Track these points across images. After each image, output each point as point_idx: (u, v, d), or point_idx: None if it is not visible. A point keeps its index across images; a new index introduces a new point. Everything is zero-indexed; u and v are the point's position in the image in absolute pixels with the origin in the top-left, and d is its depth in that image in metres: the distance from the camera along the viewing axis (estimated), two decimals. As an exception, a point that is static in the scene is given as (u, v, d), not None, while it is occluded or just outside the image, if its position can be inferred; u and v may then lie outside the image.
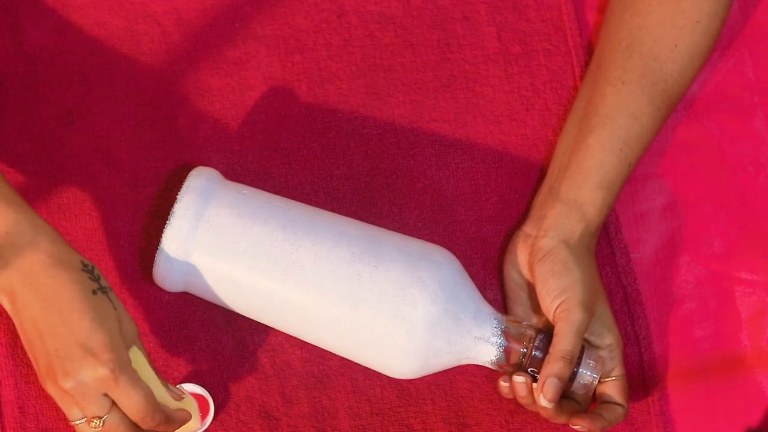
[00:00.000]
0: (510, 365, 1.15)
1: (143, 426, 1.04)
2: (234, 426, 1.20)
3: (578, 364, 1.14)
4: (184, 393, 1.12)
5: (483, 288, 1.24)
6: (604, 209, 1.17)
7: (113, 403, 1.03)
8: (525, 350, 1.14)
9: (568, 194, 1.17)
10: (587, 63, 1.29)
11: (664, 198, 1.27)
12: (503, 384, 1.15)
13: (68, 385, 1.01)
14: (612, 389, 1.17)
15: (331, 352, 1.21)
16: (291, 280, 1.13)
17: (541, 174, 1.27)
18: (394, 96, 1.28)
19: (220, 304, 1.17)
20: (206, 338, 1.22)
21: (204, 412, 1.20)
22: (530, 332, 1.15)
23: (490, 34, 1.30)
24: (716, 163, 1.28)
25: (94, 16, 1.27)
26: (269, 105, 1.27)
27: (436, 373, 1.20)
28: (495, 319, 1.15)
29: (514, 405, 1.22)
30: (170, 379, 1.21)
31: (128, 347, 1.05)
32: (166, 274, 1.15)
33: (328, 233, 1.14)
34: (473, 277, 1.21)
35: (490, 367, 1.16)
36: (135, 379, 1.03)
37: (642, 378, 1.24)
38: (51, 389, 1.04)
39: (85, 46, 1.27)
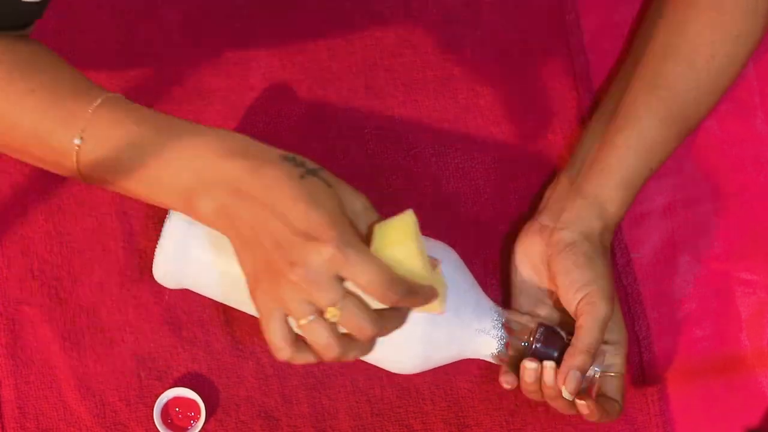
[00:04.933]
0: (511, 358, 1.14)
1: (385, 302, 0.91)
2: (234, 426, 1.20)
3: None
4: (438, 264, 0.98)
5: (482, 288, 1.23)
6: (622, 209, 1.16)
7: (346, 289, 0.91)
8: (526, 343, 1.13)
9: (590, 190, 1.16)
10: (587, 63, 1.29)
11: (664, 198, 1.26)
12: (506, 378, 1.14)
13: (297, 274, 0.89)
14: (611, 385, 1.15)
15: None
16: None
17: (542, 174, 1.27)
18: (394, 96, 1.28)
19: (219, 300, 1.16)
20: (206, 338, 1.22)
21: (196, 416, 1.19)
22: (532, 325, 1.14)
23: (491, 34, 1.29)
24: (716, 163, 1.28)
25: (94, 16, 1.27)
26: (269, 105, 1.27)
27: (436, 373, 1.20)
28: (495, 312, 1.14)
29: (514, 405, 1.22)
30: (169, 380, 1.21)
31: (362, 223, 0.94)
32: (166, 270, 1.13)
33: None
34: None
35: (492, 360, 1.15)
36: (365, 252, 0.90)
37: (642, 378, 1.23)
38: (267, 294, 0.92)
39: (85, 47, 1.26)
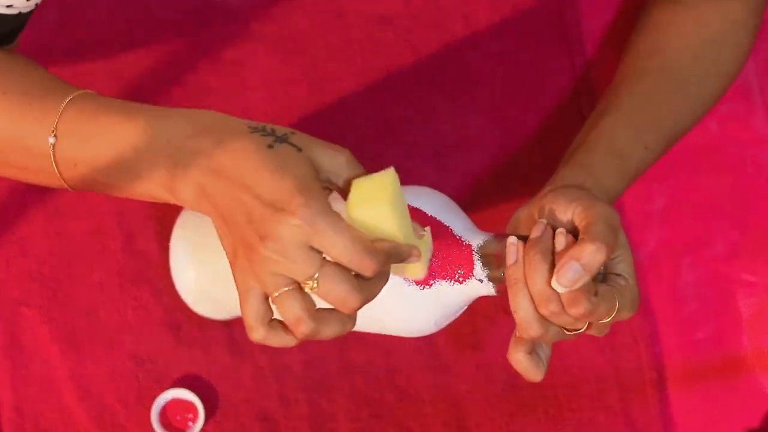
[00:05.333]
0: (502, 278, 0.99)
1: (363, 271, 0.86)
2: (232, 427, 1.20)
3: None
4: (424, 231, 0.92)
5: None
6: (615, 176, 1.04)
7: (323, 259, 0.86)
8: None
9: (577, 160, 1.05)
10: (587, 63, 1.29)
11: (665, 199, 1.27)
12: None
13: (268, 248, 0.85)
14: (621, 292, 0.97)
15: (329, 355, 1.21)
16: None
17: (542, 173, 1.26)
18: (394, 96, 1.27)
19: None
20: (205, 340, 1.22)
21: (194, 418, 1.19)
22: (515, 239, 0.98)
23: (490, 34, 1.29)
24: (717, 164, 1.28)
25: (92, 16, 1.26)
26: (268, 105, 1.27)
27: (435, 375, 1.20)
28: (483, 237, 1.00)
29: (514, 407, 1.22)
30: (168, 382, 1.21)
31: (339, 179, 0.89)
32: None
33: None
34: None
35: (491, 290, 1.00)
36: (336, 220, 0.85)
37: (643, 379, 1.24)
38: (244, 272, 0.88)
39: (83, 47, 1.26)
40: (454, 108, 1.28)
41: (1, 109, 0.93)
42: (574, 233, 0.93)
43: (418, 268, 0.91)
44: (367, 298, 0.86)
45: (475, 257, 0.98)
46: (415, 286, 0.97)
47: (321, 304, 0.86)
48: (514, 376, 1.22)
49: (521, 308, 0.93)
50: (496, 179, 1.27)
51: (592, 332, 0.94)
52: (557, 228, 0.93)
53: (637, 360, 1.23)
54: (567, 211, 0.93)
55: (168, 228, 1.22)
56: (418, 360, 1.23)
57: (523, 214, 0.99)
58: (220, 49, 1.27)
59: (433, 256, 0.97)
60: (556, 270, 0.90)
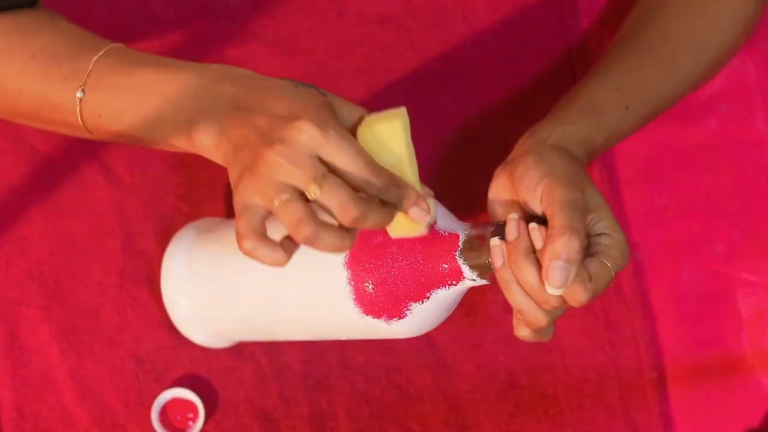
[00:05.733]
0: (479, 267, 0.98)
1: (369, 186, 0.87)
2: (232, 427, 1.20)
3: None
4: (429, 193, 0.92)
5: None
6: (591, 127, 1.02)
7: (328, 169, 0.86)
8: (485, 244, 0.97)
9: (552, 115, 1.05)
10: (587, 63, 1.29)
11: (665, 199, 1.26)
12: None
13: (276, 151, 0.85)
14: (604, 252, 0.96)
15: (329, 354, 1.21)
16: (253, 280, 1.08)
17: None
18: (394, 96, 1.27)
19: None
20: (205, 340, 1.21)
21: (194, 418, 1.19)
22: (490, 228, 0.97)
23: (490, 33, 1.29)
24: (717, 164, 1.27)
25: (91, 16, 1.26)
26: (268, 105, 1.26)
27: (435, 375, 1.20)
28: (463, 229, 1.00)
29: (514, 407, 1.21)
30: (168, 381, 1.20)
31: (346, 123, 0.90)
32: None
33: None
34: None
35: (483, 279, 0.99)
36: (344, 133, 0.86)
37: (643, 378, 1.23)
38: (246, 188, 0.87)
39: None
40: (454, 108, 1.27)
41: (31, 71, 0.95)
42: (538, 218, 0.93)
43: (415, 227, 0.90)
44: (364, 216, 0.86)
45: (460, 261, 0.97)
46: (414, 303, 0.98)
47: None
48: (515, 375, 1.22)
49: (522, 305, 0.94)
50: (496, 179, 1.26)
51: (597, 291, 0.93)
52: (529, 220, 0.93)
53: (637, 359, 1.23)
54: (534, 193, 0.94)
55: (168, 228, 1.22)
56: (418, 360, 1.22)
57: (499, 191, 1.00)
58: (220, 49, 1.27)
59: (424, 258, 0.97)
60: (543, 276, 0.90)
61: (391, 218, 0.88)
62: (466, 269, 0.97)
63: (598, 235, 0.94)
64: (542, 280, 0.91)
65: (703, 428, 1.23)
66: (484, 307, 1.23)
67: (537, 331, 0.95)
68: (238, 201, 0.88)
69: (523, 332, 0.96)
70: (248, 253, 0.87)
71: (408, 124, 0.89)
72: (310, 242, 0.86)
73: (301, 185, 0.86)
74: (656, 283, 1.25)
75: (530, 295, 0.93)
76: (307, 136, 0.85)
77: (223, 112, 0.89)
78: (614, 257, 0.93)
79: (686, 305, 1.24)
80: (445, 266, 0.97)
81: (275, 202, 0.86)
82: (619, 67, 1.08)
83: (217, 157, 0.90)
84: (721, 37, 1.12)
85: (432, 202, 0.92)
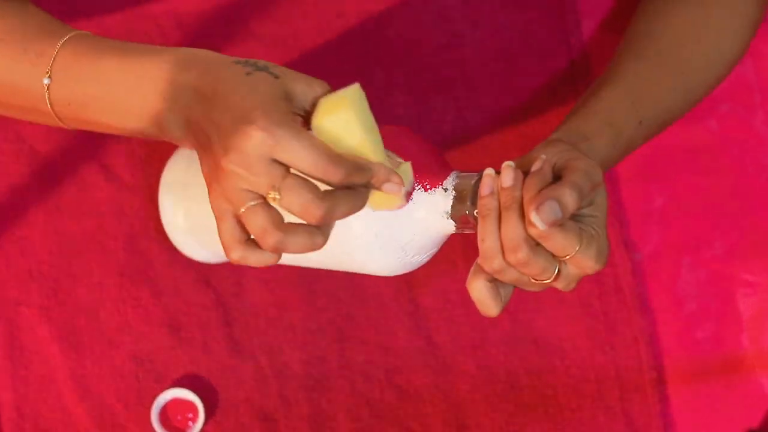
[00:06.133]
0: (466, 218, 0.96)
1: (329, 180, 0.86)
2: (232, 427, 1.20)
3: None
4: (400, 162, 0.91)
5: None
6: (609, 146, 1.01)
7: (287, 170, 0.86)
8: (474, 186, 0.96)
9: (572, 126, 1.03)
10: (587, 63, 1.29)
11: (665, 199, 1.26)
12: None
13: (231, 161, 0.85)
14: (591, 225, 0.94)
15: (329, 354, 1.21)
16: None
17: None
18: (394, 96, 1.27)
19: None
20: (205, 340, 1.21)
21: (194, 418, 1.18)
22: (492, 171, 0.95)
23: (491, 33, 1.28)
24: (717, 164, 1.27)
25: (91, 16, 1.26)
26: (268, 105, 1.26)
27: (435, 375, 1.20)
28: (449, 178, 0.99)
29: (514, 407, 1.21)
30: (168, 382, 1.20)
31: (304, 104, 0.88)
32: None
33: None
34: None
35: (463, 228, 0.98)
36: (298, 131, 0.85)
37: (643, 379, 1.23)
38: (218, 195, 0.88)
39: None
40: (454, 108, 1.27)
41: (0, 57, 0.94)
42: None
43: (394, 199, 0.89)
44: (332, 210, 0.85)
45: (443, 192, 0.96)
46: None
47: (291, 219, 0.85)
48: (515, 376, 1.22)
49: (489, 238, 0.92)
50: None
51: (559, 285, 0.92)
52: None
53: (637, 360, 1.23)
54: (558, 160, 0.92)
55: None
56: (418, 360, 1.22)
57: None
58: (220, 49, 1.26)
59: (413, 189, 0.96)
60: (535, 206, 0.89)
61: (363, 202, 0.87)
62: (448, 198, 0.96)
63: (591, 223, 0.93)
64: (528, 215, 0.90)
65: (702, 428, 1.23)
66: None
67: (491, 284, 0.94)
68: (213, 207, 0.88)
69: (476, 283, 0.94)
70: (238, 263, 0.87)
71: (363, 100, 0.87)
72: (279, 250, 0.85)
73: (261, 192, 0.85)
74: (656, 283, 1.25)
75: (503, 244, 0.91)
76: (258, 141, 0.84)
77: (185, 104, 0.89)
78: (591, 246, 0.92)
79: (686, 305, 1.24)
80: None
81: (239, 209, 0.85)
82: (633, 79, 1.07)
83: (186, 145, 0.90)
84: (728, 45, 1.12)
85: (406, 168, 0.90)
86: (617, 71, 1.08)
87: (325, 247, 0.95)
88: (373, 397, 1.21)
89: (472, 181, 0.95)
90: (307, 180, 0.84)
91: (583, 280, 1.23)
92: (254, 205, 0.85)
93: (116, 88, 0.92)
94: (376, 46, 1.28)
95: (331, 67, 1.27)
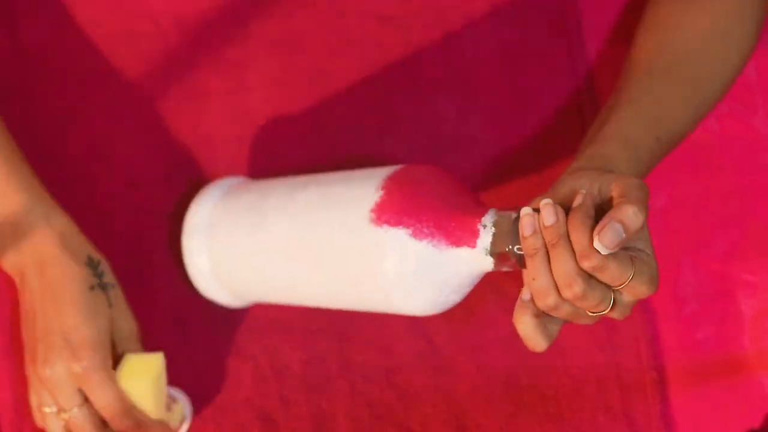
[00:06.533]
0: (506, 255, 0.98)
1: (112, 425, 1.06)
2: (231, 428, 1.20)
3: None
4: (175, 403, 1.13)
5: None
6: (631, 167, 1.01)
7: (86, 399, 1.06)
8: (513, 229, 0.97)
9: (591, 152, 1.02)
10: (587, 63, 1.28)
11: (665, 198, 1.26)
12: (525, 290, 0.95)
13: (45, 373, 1.04)
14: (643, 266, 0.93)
15: (329, 355, 1.21)
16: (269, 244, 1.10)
17: (542, 174, 1.26)
18: (394, 96, 1.26)
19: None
20: (204, 340, 1.21)
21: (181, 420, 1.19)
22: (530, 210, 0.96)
23: (491, 33, 1.28)
24: (718, 163, 1.27)
25: (91, 15, 1.25)
26: (268, 105, 1.25)
27: (436, 375, 1.20)
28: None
29: (514, 408, 1.20)
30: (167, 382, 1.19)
31: (121, 346, 1.08)
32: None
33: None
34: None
35: (500, 266, 0.99)
36: (108, 379, 1.05)
37: (644, 379, 1.23)
38: (30, 372, 1.07)
39: (82, 46, 1.26)
40: (455, 108, 1.27)
41: None
42: (601, 202, 0.92)
43: None
44: None
45: (483, 229, 0.98)
46: (426, 243, 0.99)
47: None
48: (515, 376, 1.22)
49: (540, 277, 0.92)
50: (497, 179, 1.26)
51: (614, 315, 0.92)
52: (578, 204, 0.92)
53: (637, 360, 1.23)
54: (591, 187, 0.92)
55: (169, 228, 1.21)
56: (418, 360, 1.22)
57: (536, 204, 0.97)
58: (220, 49, 1.26)
59: (409, 223, 1.00)
60: (597, 231, 0.88)
61: None
62: (486, 237, 0.97)
63: (638, 250, 0.93)
64: (586, 235, 0.89)
65: (703, 429, 1.23)
66: (484, 307, 1.23)
67: (540, 317, 0.94)
68: (29, 380, 1.08)
69: (523, 318, 0.95)
70: None
71: (163, 368, 1.09)
72: None
73: (57, 405, 1.05)
74: (657, 283, 1.25)
75: (556, 281, 0.91)
76: (74, 375, 1.03)
77: (29, 263, 1.06)
78: (643, 271, 0.92)
79: (687, 305, 1.24)
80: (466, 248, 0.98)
81: (42, 408, 1.06)
82: (646, 96, 1.07)
83: (18, 291, 1.10)
84: (735, 51, 1.12)
85: (179, 408, 1.13)
86: (629, 90, 1.08)
87: (360, 286, 0.99)
88: (373, 397, 1.20)
89: (512, 218, 0.96)
90: (95, 415, 1.05)
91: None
92: (52, 413, 1.06)
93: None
94: (376, 46, 1.27)
95: (332, 68, 1.27)
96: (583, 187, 0.93)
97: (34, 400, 1.08)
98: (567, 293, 0.91)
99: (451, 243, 1.00)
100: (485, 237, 0.98)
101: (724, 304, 1.24)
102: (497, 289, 1.24)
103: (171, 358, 1.20)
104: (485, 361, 1.22)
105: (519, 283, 1.23)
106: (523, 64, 1.28)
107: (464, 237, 0.99)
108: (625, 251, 0.91)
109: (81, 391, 1.05)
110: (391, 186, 1.03)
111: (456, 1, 1.29)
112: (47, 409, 1.06)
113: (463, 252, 0.99)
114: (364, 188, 1.04)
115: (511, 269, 0.98)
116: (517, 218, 0.96)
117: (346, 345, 1.22)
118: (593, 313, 0.93)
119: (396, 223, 1.00)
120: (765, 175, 1.27)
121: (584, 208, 0.91)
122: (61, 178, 1.23)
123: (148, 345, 1.21)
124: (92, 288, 1.06)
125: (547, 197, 0.94)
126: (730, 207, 1.26)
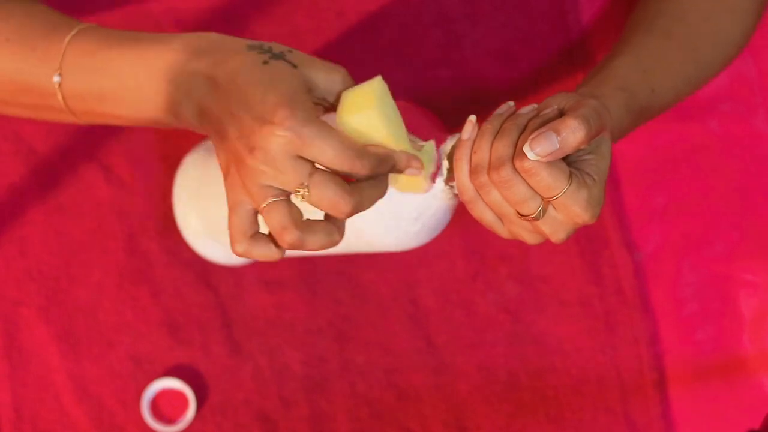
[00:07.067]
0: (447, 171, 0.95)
1: (357, 174, 0.86)
2: (232, 428, 1.19)
3: None
4: (423, 144, 0.91)
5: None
6: (623, 109, 0.98)
7: (313, 166, 0.86)
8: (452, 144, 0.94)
9: (585, 91, 0.99)
10: (587, 63, 1.28)
11: (666, 199, 1.26)
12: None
13: (257, 159, 0.86)
14: (588, 167, 0.91)
15: (329, 355, 1.21)
16: None
17: None
18: (394, 96, 1.26)
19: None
20: (204, 340, 1.21)
21: (182, 410, 1.18)
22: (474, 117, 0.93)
23: (491, 33, 1.28)
24: (718, 163, 1.27)
25: (91, 15, 1.26)
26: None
27: (436, 375, 1.20)
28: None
29: (514, 408, 1.21)
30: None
31: (334, 95, 0.89)
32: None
33: None
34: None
35: (439, 186, 0.96)
36: (322, 127, 0.85)
37: (644, 379, 1.23)
38: (235, 187, 0.88)
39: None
40: (455, 108, 1.26)
41: (7, 57, 0.95)
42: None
43: (419, 181, 0.89)
44: (360, 204, 0.86)
45: (442, 154, 0.95)
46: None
47: (311, 215, 0.86)
48: (515, 376, 1.22)
49: (482, 150, 0.90)
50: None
51: (545, 229, 0.89)
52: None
53: (637, 360, 1.22)
54: (560, 101, 0.90)
55: (169, 228, 1.21)
56: (418, 360, 1.22)
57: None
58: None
59: (438, 170, 0.95)
60: (532, 136, 0.86)
61: (384, 191, 0.88)
62: (443, 164, 0.94)
63: (584, 171, 0.90)
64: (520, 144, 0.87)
65: (703, 429, 1.22)
66: (484, 308, 1.23)
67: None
68: (228, 198, 0.88)
69: (460, 165, 0.92)
70: (242, 255, 0.87)
71: (386, 93, 0.88)
72: (297, 247, 0.86)
73: (289, 189, 0.85)
74: (657, 283, 1.24)
75: (491, 161, 0.89)
76: (284, 141, 0.84)
77: (199, 93, 0.89)
78: (581, 193, 0.88)
79: (687, 306, 1.24)
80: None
81: (261, 204, 0.86)
82: (644, 50, 1.05)
83: (202, 131, 0.90)
84: (738, 24, 1.10)
85: (430, 148, 0.90)
86: (627, 43, 1.06)
87: None
88: (373, 397, 1.20)
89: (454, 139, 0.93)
90: (333, 176, 0.85)
91: (584, 281, 1.23)
92: (276, 202, 0.85)
93: (128, 80, 0.92)
94: (376, 46, 1.27)
95: (331, 67, 1.27)
96: (555, 101, 0.91)
97: (236, 220, 0.88)
98: (494, 176, 0.89)
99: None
100: (442, 168, 0.94)
101: (725, 305, 1.24)
102: (497, 289, 1.23)
103: (170, 360, 1.20)
104: (485, 361, 1.21)
105: (519, 283, 1.23)
106: (523, 63, 1.28)
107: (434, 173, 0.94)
108: (564, 164, 0.88)
109: (302, 159, 0.86)
110: None
111: (456, 1, 1.29)
112: (265, 203, 0.86)
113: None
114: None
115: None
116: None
117: (345, 345, 1.21)
118: (521, 215, 0.90)
119: None
120: (765, 175, 1.27)
121: (528, 115, 0.90)
122: (60, 178, 1.23)
123: (147, 345, 1.20)
124: (265, 62, 0.88)
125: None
126: (731, 207, 1.26)
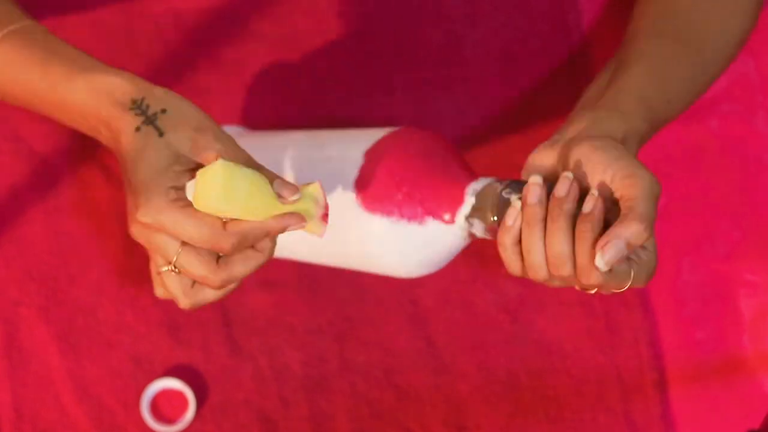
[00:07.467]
0: (484, 221, 0.96)
1: (222, 252, 0.88)
2: (232, 429, 1.19)
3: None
4: (298, 191, 0.90)
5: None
6: (646, 124, 0.97)
7: (183, 243, 0.89)
8: (495, 199, 0.94)
9: (607, 105, 0.98)
10: (587, 63, 1.28)
11: (665, 198, 1.26)
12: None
13: (137, 238, 0.90)
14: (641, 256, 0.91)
15: (329, 355, 1.21)
16: None
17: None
18: (394, 96, 1.26)
19: None
20: (203, 340, 1.21)
21: (182, 410, 1.18)
22: (501, 183, 0.95)
23: (491, 33, 1.28)
24: (718, 163, 1.27)
25: (91, 15, 1.25)
26: (267, 104, 1.25)
27: (436, 375, 1.19)
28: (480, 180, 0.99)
29: (513, 408, 1.21)
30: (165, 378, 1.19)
31: (195, 158, 0.89)
32: None
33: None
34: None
35: (484, 234, 0.97)
36: (176, 215, 0.88)
37: (644, 379, 1.23)
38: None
39: (82, 46, 1.25)
40: (454, 107, 1.26)
41: None
42: (608, 200, 0.88)
43: (313, 227, 0.89)
44: (229, 277, 0.88)
45: (468, 197, 0.96)
46: (406, 221, 0.97)
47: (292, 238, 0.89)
48: (515, 376, 1.22)
49: (535, 251, 0.89)
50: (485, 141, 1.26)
51: (603, 290, 0.90)
52: (585, 186, 0.89)
53: (637, 360, 1.22)
54: (604, 173, 0.89)
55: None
56: (418, 360, 1.22)
57: (542, 159, 0.94)
58: (220, 49, 1.26)
59: (390, 199, 0.97)
60: (600, 245, 0.85)
61: (264, 258, 0.89)
62: (468, 207, 0.95)
63: (642, 247, 0.90)
64: (571, 240, 0.87)
65: (703, 429, 1.22)
66: (484, 308, 1.23)
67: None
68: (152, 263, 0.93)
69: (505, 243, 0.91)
70: (190, 309, 0.92)
71: (234, 170, 0.87)
72: (193, 309, 0.91)
73: (166, 264, 0.89)
74: (657, 283, 1.24)
75: (547, 258, 0.89)
76: (142, 227, 0.88)
77: (105, 138, 0.93)
78: (642, 270, 0.89)
79: (687, 306, 1.24)
80: (446, 216, 0.96)
81: (155, 272, 0.91)
82: (658, 57, 1.04)
83: None
84: (739, 22, 1.10)
85: (315, 189, 0.90)
86: (641, 50, 1.05)
87: (343, 244, 0.96)
88: (373, 397, 1.20)
89: (499, 189, 0.93)
90: (200, 253, 0.88)
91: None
92: (165, 272, 0.90)
93: (47, 107, 0.94)
94: (376, 46, 1.27)
95: (331, 68, 1.26)
96: (598, 163, 0.90)
97: (171, 282, 0.92)
98: (555, 272, 0.89)
99: (433, 216, 0.98)
100: (466, 205, 0.95)
101: (725, 305, 1.24)
102: (497, 289, 1.23)
103: (170, 360, 1.20)
104: (485, 361, 1.21)
105: (520, 283, 1.23)
106: (523, 63, 1.28)
107: (446, 207, 0.97)
108: (626, 265, 0.88)
109: (171, 237, 0.89)
110: (373, 160, 1.00)
111: (457, 1, 1.29)
112: (161, 269, 0.90)
113: (444, 225, 0.97)
114: (349, 156, 1.02)
115: (492, 238, 0.94)
116: (505, 188, 0.93)
117: (345, 345, 1.21)
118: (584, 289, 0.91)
119: (378, 210, 0.99)
120: (765, 175, 1.27)
121: (593, 217, 0.88)
122: (59, 179, 1.23)
123: (147, 345, 1.20)
124: (138, 129, 0.89)
125: (561, 164, 0.92)
126: (731, 207, 1.26)
